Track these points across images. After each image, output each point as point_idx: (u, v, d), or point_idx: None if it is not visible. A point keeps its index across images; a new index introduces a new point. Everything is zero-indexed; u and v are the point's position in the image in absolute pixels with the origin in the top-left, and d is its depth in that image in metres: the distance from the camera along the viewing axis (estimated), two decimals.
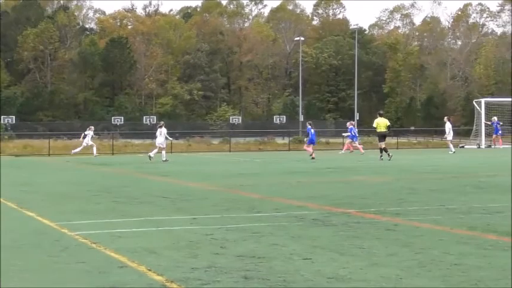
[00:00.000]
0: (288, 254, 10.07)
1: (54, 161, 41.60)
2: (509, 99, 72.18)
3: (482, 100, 61.24)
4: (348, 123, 50.62)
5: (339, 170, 30.12)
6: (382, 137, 37.12)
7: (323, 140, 67.47)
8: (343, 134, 51.53)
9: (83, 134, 47.37)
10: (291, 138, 62.82)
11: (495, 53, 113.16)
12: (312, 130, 40.79)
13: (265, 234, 12.01)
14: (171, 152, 52.43)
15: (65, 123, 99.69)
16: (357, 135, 50.08)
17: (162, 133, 40.65)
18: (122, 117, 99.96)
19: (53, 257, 10.24)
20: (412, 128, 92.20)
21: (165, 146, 40.56)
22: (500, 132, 54.73)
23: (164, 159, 38.56)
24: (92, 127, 48.64)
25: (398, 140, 64.11)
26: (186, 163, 38.02)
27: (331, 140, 64.14)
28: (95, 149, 46.68)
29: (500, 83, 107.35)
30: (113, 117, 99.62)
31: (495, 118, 55.28)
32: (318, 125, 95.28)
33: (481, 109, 58.69)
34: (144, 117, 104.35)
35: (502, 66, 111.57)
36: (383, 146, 37.02)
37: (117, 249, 10.60)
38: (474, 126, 60.06)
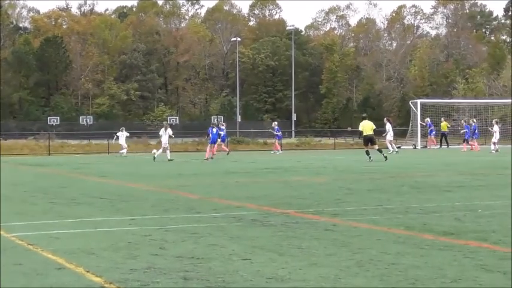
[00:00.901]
0: (227, 255, 10.06)
1: None
2: (444, 100, 73.36)
3: (418, 101, 62.04)
4: (273, 124, 52.95)
5: (278, 170, 30.17)
6: (369, 140, 36.84)
7: (261, 140, 67.64)
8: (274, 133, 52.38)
9: (115, 136, 48.74)
10: (228, 139, 62.73)
11: (429, 55, 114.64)
12: (214, 130, 41.08)
13: (204, 235, 11.98)
14: (108, 153, 52.09)
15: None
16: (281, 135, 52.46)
17: (166, 132, 41.84)
18: (58, 118, 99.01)
19: None
20: (349, 128, 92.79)
21: (168, 145, 41.55)
22: (434, 133, 55.35)
23: (169, 158, 39.49)
24: (123, 128, 49.90)
25: (336, 141, 64.41)
26: (124, 164, 37.77)
27: (269, 141, 64.19)
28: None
29: (434, 84, 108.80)
30: (48, 118, 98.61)
31: (428, 119, 55.88)
32: (256, 125, 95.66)
33: (417, 110, 59.40)
34: (81, 117, 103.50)
35: (436, 67, 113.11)
36: (375, 147, 36.90)
37: (54, 251, 10.46)
38: (410, 127, 60.78)
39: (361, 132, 37.31)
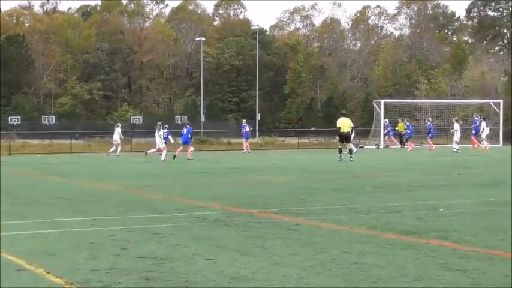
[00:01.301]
0: (190, 255, 10.04)
1: None
2: (407, 100, 73.78)
3: (382, 101, 62.33)
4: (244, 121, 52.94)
5: (241, 170, 30.17)
6: (346, 138, 36.37)
7: (225, 140, 67.63)
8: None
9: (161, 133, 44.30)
10: (192, 139, 62.68)
11: (393, 55, 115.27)
12: (185, 130, 40.50)
13: (167, 235, 11.95)
14: (71, 153, 51.76)
15: None
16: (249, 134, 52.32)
17: (159, 134, 42.49)
18: (19, 117, 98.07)
19: None
20: (313, 128, 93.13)
21: (163, 146, 41.46)
22: (391, 134, 55.50)
23: (163, 159, 38.97)
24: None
25: (300, 141, 64.56)
26: (86, 164, 37.55)
27: (233, 141, 64.22)
28: (118, 148, 46.56)
29: (397, 84, 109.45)
30: (9, 117, 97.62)
31: (386, 120, 56.01)
32: (220, 125, 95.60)
33: (380, 110, 59.70)
34: (43, 116, 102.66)
35: (399, 67, 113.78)
36: (351, 146, 36.29)
37: (14, 252, 10.37)
38: (373, 127, 61.05)
39: (339, 129, 36.98)
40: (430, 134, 52.59)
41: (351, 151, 35.81)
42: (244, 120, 54.21)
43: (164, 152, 39.49)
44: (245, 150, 48.96)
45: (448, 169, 28.91)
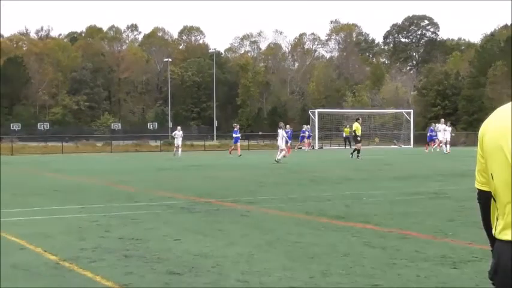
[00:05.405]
0: (161, 236, 10.05)
1: None
2: (336, 110, 74.28)
3: (316, 111, 62.67)
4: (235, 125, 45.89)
5: (201, 167, 30.11)
6: (348, 138, 36.27)
7: (188, 142, 67.26)
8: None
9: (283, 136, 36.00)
10: (161, 141, 62.52)
11: (324, 73, 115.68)
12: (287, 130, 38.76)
13: (142, 220, 11.93)
14: (62, 153, 51.24)
15: None
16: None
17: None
18: (20, 124, 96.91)
19: None
20: (260, 132, 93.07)
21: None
22: (305, 138, 53.04)
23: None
24: (237, 125, 45.22)
25: (249, 143, 64.58)
26: (75, 162, 37.19)
27: (195, 143, 64.02)
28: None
29: (328, 97, 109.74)
30: (11, 124, 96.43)
31: (305, 126, 54.71)
32: (184, 130, 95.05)
33: (315, 118, 60.03)
34: (39, 123, 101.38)
35: (329, 83, 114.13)
36: (360, 146, 36.32)
37: (17, 235, 10.30)
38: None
39: (354, 132, 37.18)
40: (289, 139, 48.23)
41: (358, 150, 35.71)
42: (237, 126, 44.88)
43: (283, 153, 33.30)
44: (239, 153, 41.25)
45: (370, 166, 29.16)
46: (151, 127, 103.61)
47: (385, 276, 7.24)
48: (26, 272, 7.72)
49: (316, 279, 7.10)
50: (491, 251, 2.82)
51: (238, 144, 42.58)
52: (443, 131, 44.41)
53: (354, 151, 36.47)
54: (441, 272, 7.40)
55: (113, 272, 7.53)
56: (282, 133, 33.57)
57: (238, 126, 44.20)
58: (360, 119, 39.60)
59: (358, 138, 36.90)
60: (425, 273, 7.36)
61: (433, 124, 48.47)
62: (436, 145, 45.73)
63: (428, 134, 47.47)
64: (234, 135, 42.43)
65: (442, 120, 46.83)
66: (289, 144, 40.10)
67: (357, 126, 37.20)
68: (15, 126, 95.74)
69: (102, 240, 9.76)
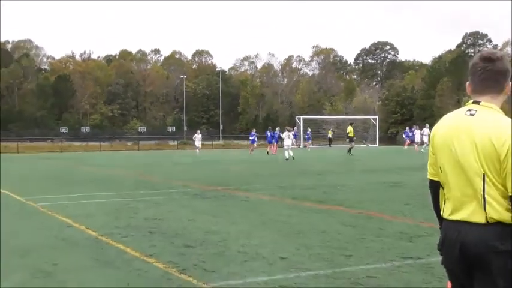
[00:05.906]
0: (178, 217, 10.06)
1: (22, 157, 39.76)
2: (318, 116, 74.17)
3: (301, 117, 62.65)
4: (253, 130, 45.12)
5: (210, 161, 30.09)
6: (352, 140, 35.97)
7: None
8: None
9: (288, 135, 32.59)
10: (178, 142, 62.61)
11: (308, 87, 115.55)
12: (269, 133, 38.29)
13: (163, 204, 11.94)
14: (100, 151, 51.11)
15: (28, 131, 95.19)
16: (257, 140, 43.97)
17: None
18: (67, 128, 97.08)
19: (24, 220, 9.90)
20: (257, 134, 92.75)
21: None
22: (273, 141, 49.37)
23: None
24: (199, 131, 43.59)
25: (248, 143, 64.34)
26: (110, 158, 37.17)
27: (205, 143, 63.88)
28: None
29: (311, 106, 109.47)
30: (60, 128, 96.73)
31: (277, 128, 52.30)
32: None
33: (300, 123, 60.01)
34: (82, 127, 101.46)
35: (312, 95, 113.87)
36: (353, 145, 35.70)
37: (65, 215, 10.31)
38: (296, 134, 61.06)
39: (347, 134, 36.52)
40: (275, 140, 45.15)
41: (350, 149, 34.93)
42: (254, 130, 44.25)
43: (290, 152, 31.01)
44: (250, 153, 39.40)
45: (348, 161, 29.17)
46: (170, 130, 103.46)
47: (356, 248, 7.27)
48: (73, 244, 7.75)
49: (301, 251, 7.12)
50: (440, 228, 2.87)
51: (274, 143, 39.31)
52: (427, 135, 42.46)
53: (349, 149, 35.48)
54: (400, 245, 7.43)
55: (140, 245, 7.55)
56: (287, 135, 32.31)
57: (254, 130, 43.43)
58: (354, 123, 39.31)
59: (353, 139, 36.62)
60: (387, 246, 7.38)
61: (407, 128, 48.64)
62: (406, 145, 45.73)
63: (404, 136, 47.48)
64: (250, 137, 42.85)
65: (427, 125, 44.82)
66: (278, 144, 39.95)
67: (350, 129, 36.66)
68: (63, 129, 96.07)
69: (131, 219, 9.78)
